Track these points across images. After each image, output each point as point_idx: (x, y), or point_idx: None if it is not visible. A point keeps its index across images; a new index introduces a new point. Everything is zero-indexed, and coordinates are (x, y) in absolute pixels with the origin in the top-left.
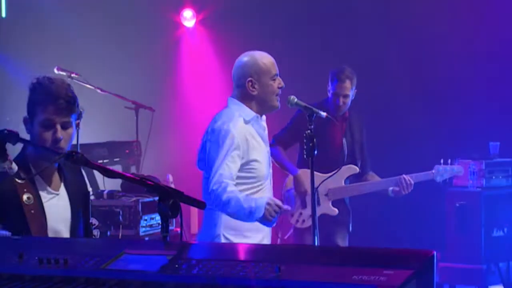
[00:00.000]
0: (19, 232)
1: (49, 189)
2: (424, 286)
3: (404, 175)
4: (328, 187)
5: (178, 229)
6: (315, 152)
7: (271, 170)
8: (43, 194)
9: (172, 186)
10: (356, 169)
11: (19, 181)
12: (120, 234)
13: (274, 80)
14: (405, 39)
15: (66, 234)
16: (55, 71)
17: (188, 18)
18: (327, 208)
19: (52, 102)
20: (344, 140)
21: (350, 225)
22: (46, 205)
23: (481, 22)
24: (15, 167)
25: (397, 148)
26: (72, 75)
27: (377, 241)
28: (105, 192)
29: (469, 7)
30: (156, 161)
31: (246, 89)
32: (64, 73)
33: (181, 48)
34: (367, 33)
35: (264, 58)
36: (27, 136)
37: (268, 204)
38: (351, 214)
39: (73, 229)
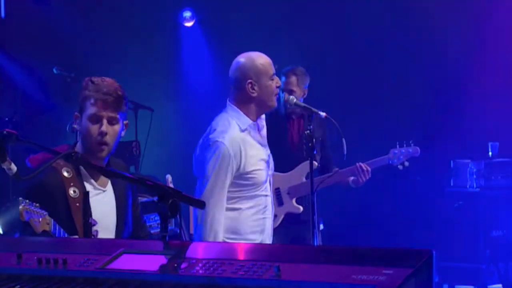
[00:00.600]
0: (64, 223)
1: (96, 185)
2: (423, 285)
3: (359, 163)
4: (288, 185)
5: (177, 229)
6: (315, 151)
7: (271, 172)
8: (89, 189)
9: (171, 186)
10: (314, 163)
11: (65, 174)
12: None
13: (273, 80)
14: (404, 38)
15: (109, 230)
16: (54, 71)
17: (188, 18)
18: (291, 206)
19: (101, 97)
20: (303, 137)
21: (321, 223)
22: (92, 200)
23: (480, 22)
24: (14, 167)
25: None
26: (71, 75)
27: (377, 240)
28: None
29: (468, 7)
30: (155, 161)
31: (246, 91)
32: (63, 73)
33: (180, 48)
34: (364, 33)
35: (261, 59)
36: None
37: None
38: (318, 211)
39: (118, 226)
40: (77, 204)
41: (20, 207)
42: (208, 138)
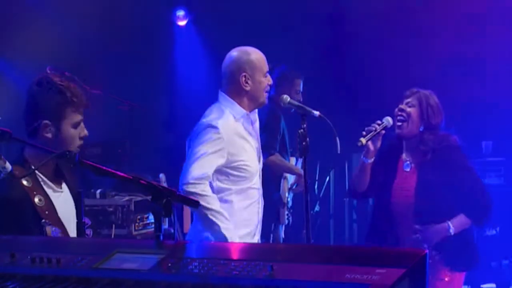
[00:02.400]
0: (37, 234)
1: (54, 187)
2: (417, 285)
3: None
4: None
5: (171, 229)
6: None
7: (260, 165)
8: (50, 193)
9: (165, 185)
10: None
11: (25, 183)
12: (113, 234)
13: (266, 77)
14: (397, 37)
15: (74, 230)
16: (48, 70)
17: (181, 17)
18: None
19: (82, 102)
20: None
21: (285, 217)
22: (56, 203)
23: (472, 22)
24: (8, 166)
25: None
26: (65, 74)
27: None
28: (98, 192)
29: (460, 7)
30: (149, 160)
31: (239, 84)
32: (56, 73)
33: (173, 47)
34: (359, 32)
35: (257, 54)
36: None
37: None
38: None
39: (78, 223)
40: (46, 212)
41: (48, 230)
42: (202, 123)
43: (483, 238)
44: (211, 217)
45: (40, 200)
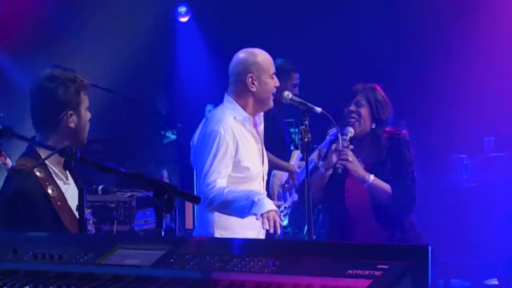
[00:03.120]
0: (51, 226)
1: (64, 179)
2: (419, 280)
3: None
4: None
5: (173, 224)
6: (311, 147)
7: (264, 167)
8: (60, 184)
9: (167, 181)
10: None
11: (38, 174)
12: (115, 229)
13: (272, 78)
14: (397, 35)
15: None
16: (49, 66)
17: (183, 13)
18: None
19: (87, 84)
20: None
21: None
22: (66, 195)
23: (474, 18)
24: (9, 162)
25: None
26: (68, 69)
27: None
28: (99, 188)
29: (462, 4)
30: (151, 156)
31: (245, 85)
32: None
33: (175, 43)
34: (358, 30)
35: (264, 56)
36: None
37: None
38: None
39: (80, 221)
40: (59, 203)
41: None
42: (205, 131)
43: (485, 234)
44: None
45: (53, 190)
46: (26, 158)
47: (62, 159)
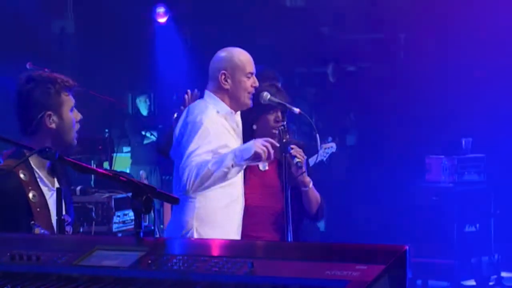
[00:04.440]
0: (25, 230)
1: (49, 185)
2: (397, 281)
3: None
4: None
5: (152, 226)
6: (289, 148)
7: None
8: (45, 191)
9: (145, 182)
10: None
11: (22, 176)
12: (93, 231)
13: (248, 78)
14: (380, 35)
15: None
16: (27, 66)
17: (161, 14)
18: None
19: (72, 84)
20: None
21: None
22: (50, 202)
23: (453, 21)
24: None
25: (374, 145)
26: (45, 70)
27: (350, 236)
28: (78, 188)
29: (442, 6)
30: (129, 157)
31: (219, 82)
32: (36, 69)
33: (153, 44)
34: (339, 31)
35: (241, 55)
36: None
37: (257, 141)
38: None
39: (58, 222)
40: (38, 209)
41: (37, 231)
42: (187, 121)
43: (463, 234)
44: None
45: (34, 196)
46: (12, 160)
47: (47, 163)
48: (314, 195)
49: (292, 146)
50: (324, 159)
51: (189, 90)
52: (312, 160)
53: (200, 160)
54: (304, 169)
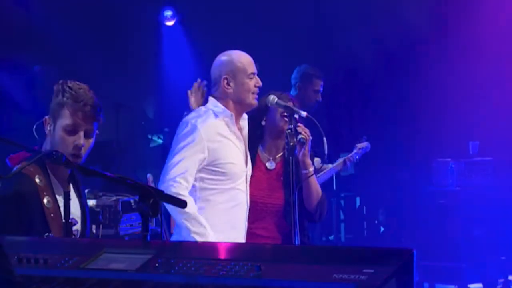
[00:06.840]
0: (38, 234)
1: (62, 192)
2: (404, 284)
3: (347, 157)
4: None
5: (159, 229)
6: (296, 151)
7: (247, 168)
8: (59, 198)
9: (152, 185)
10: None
11: (37, 181)
12: (100, 234)
13: (251, 78)
14: (384, 40)
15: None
16: (35, 69)
17: (169, 17)
18: None
19: (81, 108)
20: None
21: None
22: (62, 210)
23: (459, 22)
24: None
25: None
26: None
27: (358, 240)
28: (85, 192)
29: (447, 8)
30: (136, 160)
31: (221, 87)
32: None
33: (161, 48)
34: (346, 32)
35: (241, 57)
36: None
37: None
38: None
39: (82, 231)
40: (52, 215)
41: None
42: (182, 122)
43: (470, 237)
44: (184, 221)
45: (48, 201)
46: (26, 163)
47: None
48: (314, 185)
49: (299, 124)
50: (357, 157)
51: (195, 83)
52: (336, 166)
53: (177, 189)
54: (307, 148)
